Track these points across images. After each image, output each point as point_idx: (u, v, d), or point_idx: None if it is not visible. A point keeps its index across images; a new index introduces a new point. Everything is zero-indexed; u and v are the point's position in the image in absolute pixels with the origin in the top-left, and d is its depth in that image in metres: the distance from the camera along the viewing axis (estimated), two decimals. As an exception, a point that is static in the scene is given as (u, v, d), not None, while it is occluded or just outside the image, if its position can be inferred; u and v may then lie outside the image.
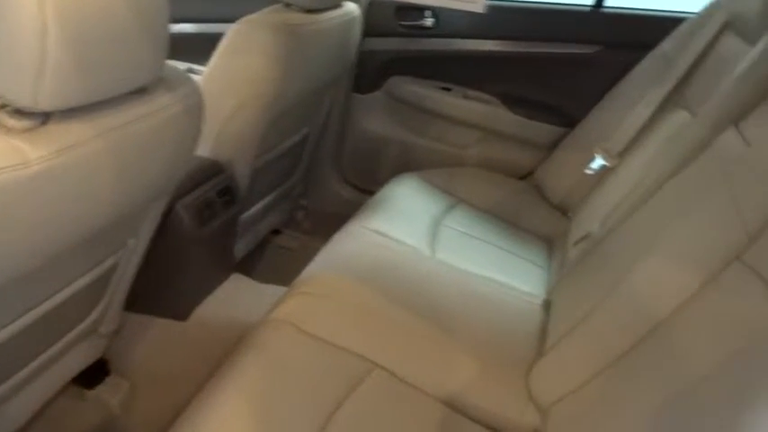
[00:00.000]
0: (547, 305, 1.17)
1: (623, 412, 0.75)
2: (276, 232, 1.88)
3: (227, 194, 1.24)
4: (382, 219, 1.37)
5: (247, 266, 1.66)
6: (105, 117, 0.65)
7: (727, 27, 1.24)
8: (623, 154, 1.40)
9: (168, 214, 1.11)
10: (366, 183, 1.89)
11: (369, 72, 1.74)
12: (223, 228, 1.26)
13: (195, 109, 0.79)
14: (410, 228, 1.37)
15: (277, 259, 1.81)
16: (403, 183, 1.58)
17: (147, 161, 0.73)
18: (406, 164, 1.80)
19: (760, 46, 0.96)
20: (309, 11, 1.30)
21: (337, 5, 1.39)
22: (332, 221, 1.90)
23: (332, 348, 0.97)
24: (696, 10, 1.40)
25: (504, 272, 1.33)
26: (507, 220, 1.55)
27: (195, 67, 1.47)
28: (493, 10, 1.45)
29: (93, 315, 0.96)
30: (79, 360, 1.01)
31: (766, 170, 0.73)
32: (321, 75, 1.44)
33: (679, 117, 1.27)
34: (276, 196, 1.66)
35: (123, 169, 0.69)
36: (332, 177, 1.90)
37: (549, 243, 1.51)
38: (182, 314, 1.30)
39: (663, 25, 1.45)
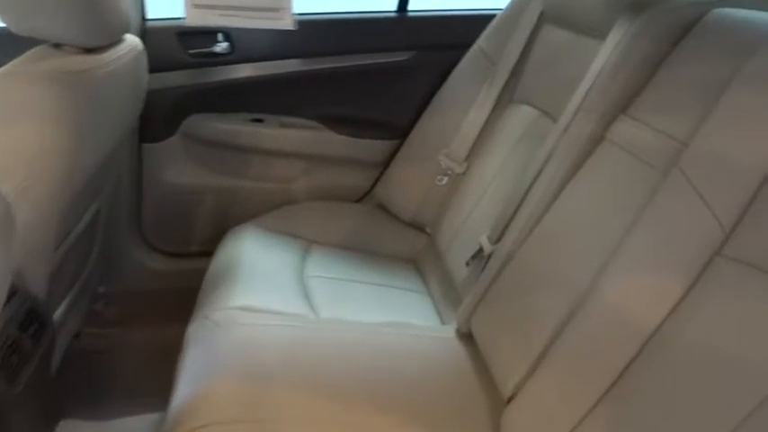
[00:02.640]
0: (465, 337, 1.06)
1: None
2: (76, 336, 1.46)
3: (34, 321, 0.86)
4: (242, 290, 1.12)
5: (71, 398, 1.26)
6: None
7: (544, 19, 1.27)
8: (470, 158, 1.36)
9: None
10: (179, 246, 1.57)
11: (159, 115, 1.43)
12: (40, 372, 0.88)
13: None
14: (278, 291, 1.15)
15: (92, 373, 1.40)
16: (240, 238, 1.33)
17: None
18: (226, 214, 1.54)
19: (618, 33, 0.96)
20: (89, 50, 0.97)
21: (119, 40, 1.08)
22: (143, 302, 1.56)
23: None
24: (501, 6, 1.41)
25: (394, 310, 1.19)
26: (365, 250, 1.42)
27: None
28: (297, 26, 1.28)
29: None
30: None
31: (718, 160, 0.70)
32: (116, 130, 1.12)
33: (522, 113, 1.26)
34: (75, 294, 1.27)
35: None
36: (133, 250, 1.54)
37: (415, 264, 1.42)
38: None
39: (473, 23, 1.44)
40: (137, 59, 1.13)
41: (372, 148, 1.54)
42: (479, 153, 1.34)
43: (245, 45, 1.43)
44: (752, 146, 0.69)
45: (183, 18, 1.23)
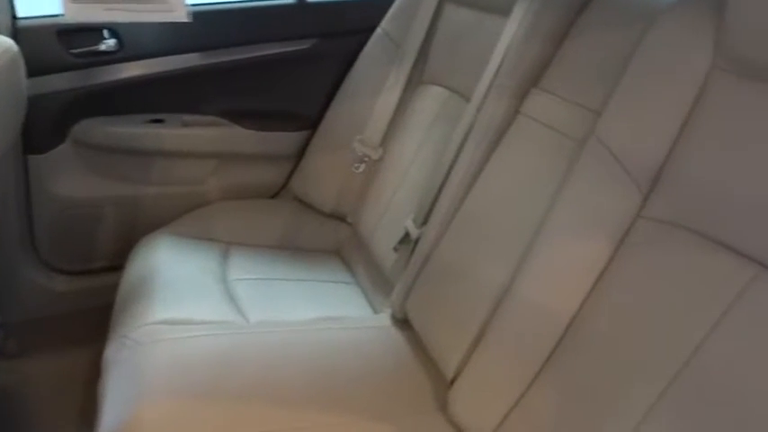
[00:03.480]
0: (400, 323, 1.05)
1: (584, 401, 0.69)
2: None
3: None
4: (161, 302, 1.05)
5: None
6: None
7: (445, -1, 1.27)
8: (385, 143, 1.35)
9: None
10: (82, 263, 1.45)
11: (43, 123, 1.30)
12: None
13: None
14: (202, 300, 1.09)
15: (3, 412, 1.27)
16: (152, 247, 1.25)
17: None
18: (132, 224, 1.43)
19: (521, 9, 0.98)
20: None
21: (-13, 42, 0.97)
22: (48, 329, 1.44)
23: None
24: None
25: (325, 304, 1.17)
26: (288, 246, 1.38)
27: None
28: (191, 17, 1.20)
29: None
30: None
31: (631, 125, 0.73)
32: None
33: (433, 93, 1.26)
34: None
35: None
36: (29, 273, 1.41)
37: (340, 255, 1.39)
38: None
39: (373, 7, 1.42)
40: (11, 63, 1.01)
41: (283, 140, 1.49)
42: (394, 137, 1.33)
43: (136, 41, 1.33)
44: (660, 109, 0.72)
45: (62, 15, 1.12)
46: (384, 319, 1.08)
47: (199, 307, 1.05)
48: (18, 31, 1.23)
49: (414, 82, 1.32)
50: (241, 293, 1.14)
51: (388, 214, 1.24)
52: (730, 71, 0.66)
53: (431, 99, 1.26)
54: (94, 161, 1.39)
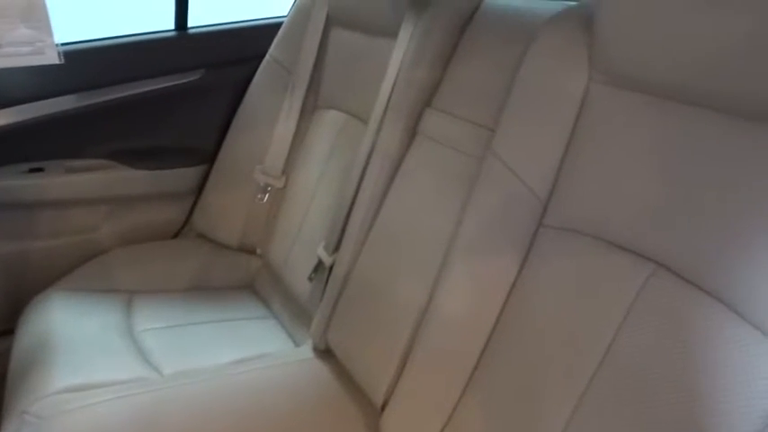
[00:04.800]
0: (324, 354, 1.03)
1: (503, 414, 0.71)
2: None
3: None
4: (61, 368, 0.97)
5: None
6: None
7: (331, 22, 1.27)
8: (287, 170, 1.33)
9: None
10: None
11: None
12: None
13: None
14: (107, 359, 1.02)
15: None
16: (44, 307, 1.15)
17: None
18: (22, 282, 1.31)
19: (407, 31, 0.99)
20: None
21: None
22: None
23: None
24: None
25: (243, 344, 1.13)
26: (196, 287, 1.32)
27: None
28: (65, 58, 1.13)
29: None
30: None
31: (523, 137, 0.76)
32: None
33: (330, 118, 1.26)
34: None
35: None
36: None
37: (253, 290, 1.36)
38: None
39: (259, 34, 1.40)
40: None
41: (179, 177, 1.43)
42: (296, 164, 1.32)
43: (5, 86, 1.22)
44: (546, 122, 0.76)
45: None
46: (306, 351, 1.06)
47: (105, 368, 0.98)
48: None
49: (309, 107, 1.32)
50: (151, 345, 1.08)
51: (299, 243, 1.22)
52: (607, 83, 0.70)
53: (329, 123, 1.26)
54: (-30, 219, 1.26)
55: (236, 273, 1.37)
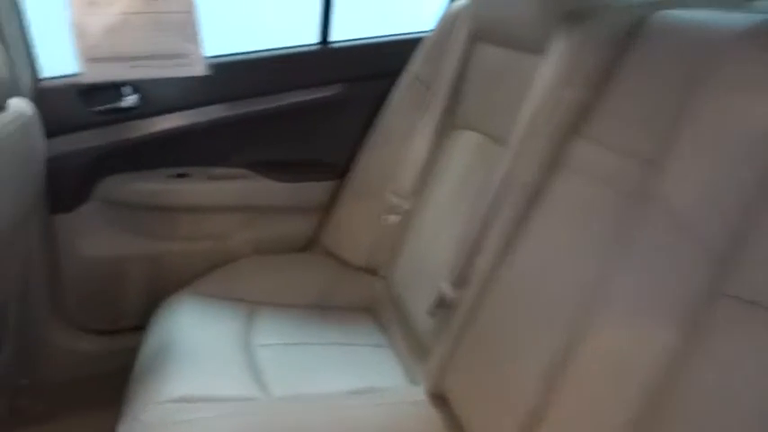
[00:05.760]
0: (438, 399, 0.94)
1: None
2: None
3: None
4: (177, 375, 0.98)
5: None
6: None
7: (476, 38, 1.18)
8: (417, 192, 1.26)
9: None
10: (110, 322, 1.41)
11: (67, 182, 1.27)
12: None
13: None
14: (221, 371, 1.01)
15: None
16: (174, 309, 1.19)
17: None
18: (158, 282, 1.38)
19: (558, 47, 0.88)
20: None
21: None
22: (75, 391, 1.39)
23: None
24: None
25: (357, 373, 1.07)
26: (318, 305, 1.29)
27: None
28: (212, 70, 1.16)
29: None
30: None
31: (700, 182, 0.62)
32: (6, 210, 0.97)
33: (466, 139, 1.17)
34: None
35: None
36: (55, 333, 1.37)
37: (373, 313, 1.30)
38: None
39: (400, 49, 1.35)
40: (24, 128, 0.98)
41: (312, 191, 1.42)
42: (427, 186, 1.24)
43: (157, 96, 1.29)
44: (736, 160, 0.60)
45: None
46: (419, 392, 0.97)
47: (217, 380, 0.98)
48: (40, 91, 1.21)
49: (446, 127, 1.24)
50: (265, 362, 1.06)
51: (423, 271, 1.15)
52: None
53: (464, 145, 1.17)
54: (119, 218, 1.35)
55: (358, 293, 1.32)
